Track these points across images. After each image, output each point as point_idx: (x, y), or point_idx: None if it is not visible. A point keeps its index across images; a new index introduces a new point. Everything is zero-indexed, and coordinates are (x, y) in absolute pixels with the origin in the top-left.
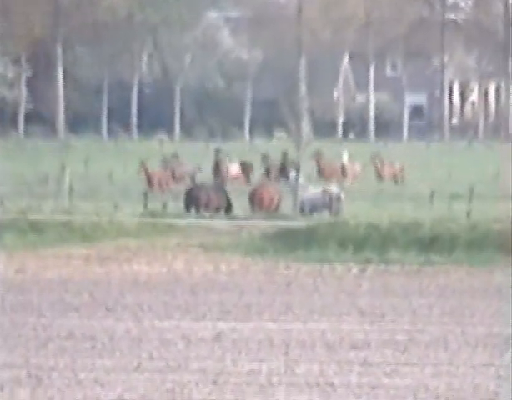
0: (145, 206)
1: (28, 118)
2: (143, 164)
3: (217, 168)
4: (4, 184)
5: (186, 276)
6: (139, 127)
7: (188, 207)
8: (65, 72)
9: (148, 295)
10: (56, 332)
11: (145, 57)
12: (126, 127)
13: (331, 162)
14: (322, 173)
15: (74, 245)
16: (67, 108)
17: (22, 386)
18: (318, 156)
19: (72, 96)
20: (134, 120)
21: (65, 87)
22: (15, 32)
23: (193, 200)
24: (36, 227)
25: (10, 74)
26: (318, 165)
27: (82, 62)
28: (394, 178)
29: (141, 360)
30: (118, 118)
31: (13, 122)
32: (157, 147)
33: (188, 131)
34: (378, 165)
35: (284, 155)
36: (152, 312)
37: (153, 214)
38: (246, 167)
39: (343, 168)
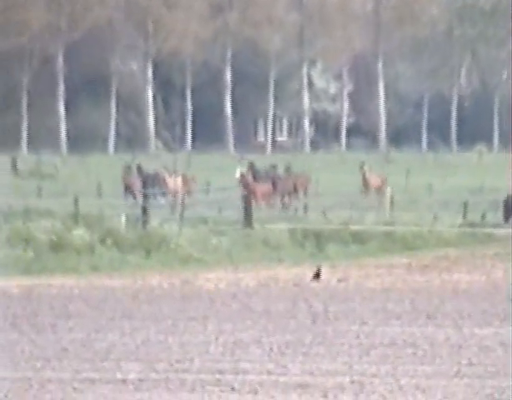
0: (464, 216)
1: (350, 131)
2: None
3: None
4: (327, 196)
5: (504, 284)
6: (458, 139)
7: (506, 217)
8: (386, 86)
9: (467, 303)
10: (378, 340)
11: (463, 71)
12: (445, 139)
13: None
14: None
15: (395, 255)
16: (387, 122)
17: (345, 392)
18: None
19: (393, 109)
20: (453, 132)
21: (386, 100)
22: (336, 48)
23: (511, 210)
24: (358, 238)
25: (332, 89)
26: None
27: (402, 77)
28: None
29: (460, 366)
30: (438, 131)
31: (336, 135)
32: (475, 159)
33: (506, 142)
34: None
35: None
36: (471, 320)
37: (471, 225)
38: (186, 180)
39: None
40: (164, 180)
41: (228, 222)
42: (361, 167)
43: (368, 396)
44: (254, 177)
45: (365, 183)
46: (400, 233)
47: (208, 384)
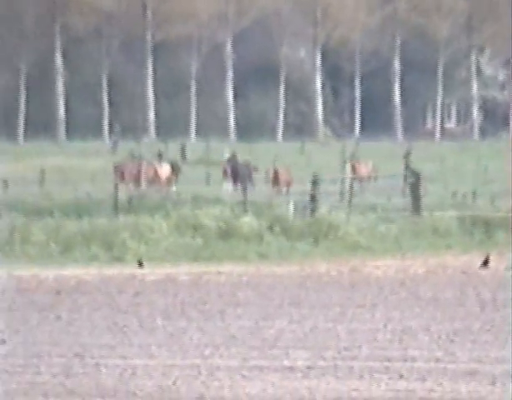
0: None
1: None
2: None
3: None
4: (496, 183)
5: None
6: None
7: None
8: None
9: None
10: None
11: None
12: None
13: None
14: None
15: None
16: None
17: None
18: None
19: None
20: None
21: None
22: (504, 35)
23: None
24: None
25: (501, 76)
26: None
27: None
28: None
29: None
30: None
31: (504, 122)
32: None
33: None
34: None
35: None
36: None
37: None
38: (176, 169)
39: None
40: (156, 170)
41: (396, 210)
42: (347, 160)
43: None
44: (234, 168)
45: (354, 173)
46: None
47: (375, 372)
